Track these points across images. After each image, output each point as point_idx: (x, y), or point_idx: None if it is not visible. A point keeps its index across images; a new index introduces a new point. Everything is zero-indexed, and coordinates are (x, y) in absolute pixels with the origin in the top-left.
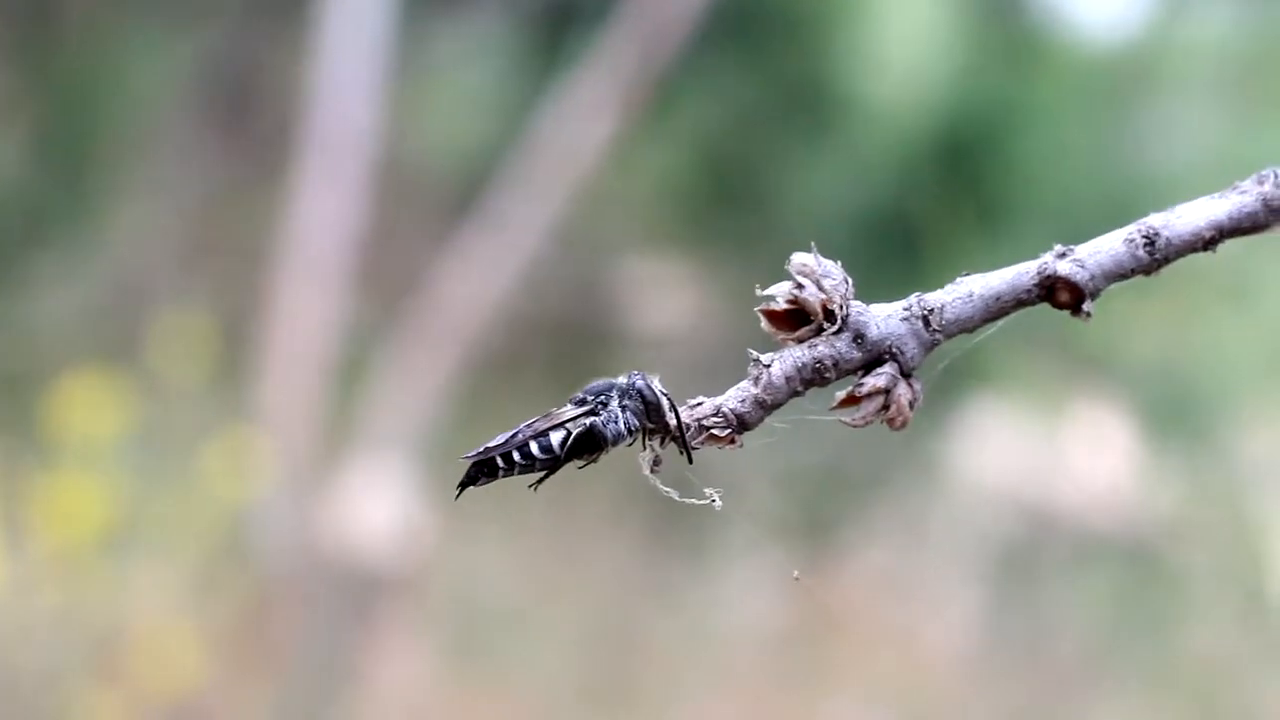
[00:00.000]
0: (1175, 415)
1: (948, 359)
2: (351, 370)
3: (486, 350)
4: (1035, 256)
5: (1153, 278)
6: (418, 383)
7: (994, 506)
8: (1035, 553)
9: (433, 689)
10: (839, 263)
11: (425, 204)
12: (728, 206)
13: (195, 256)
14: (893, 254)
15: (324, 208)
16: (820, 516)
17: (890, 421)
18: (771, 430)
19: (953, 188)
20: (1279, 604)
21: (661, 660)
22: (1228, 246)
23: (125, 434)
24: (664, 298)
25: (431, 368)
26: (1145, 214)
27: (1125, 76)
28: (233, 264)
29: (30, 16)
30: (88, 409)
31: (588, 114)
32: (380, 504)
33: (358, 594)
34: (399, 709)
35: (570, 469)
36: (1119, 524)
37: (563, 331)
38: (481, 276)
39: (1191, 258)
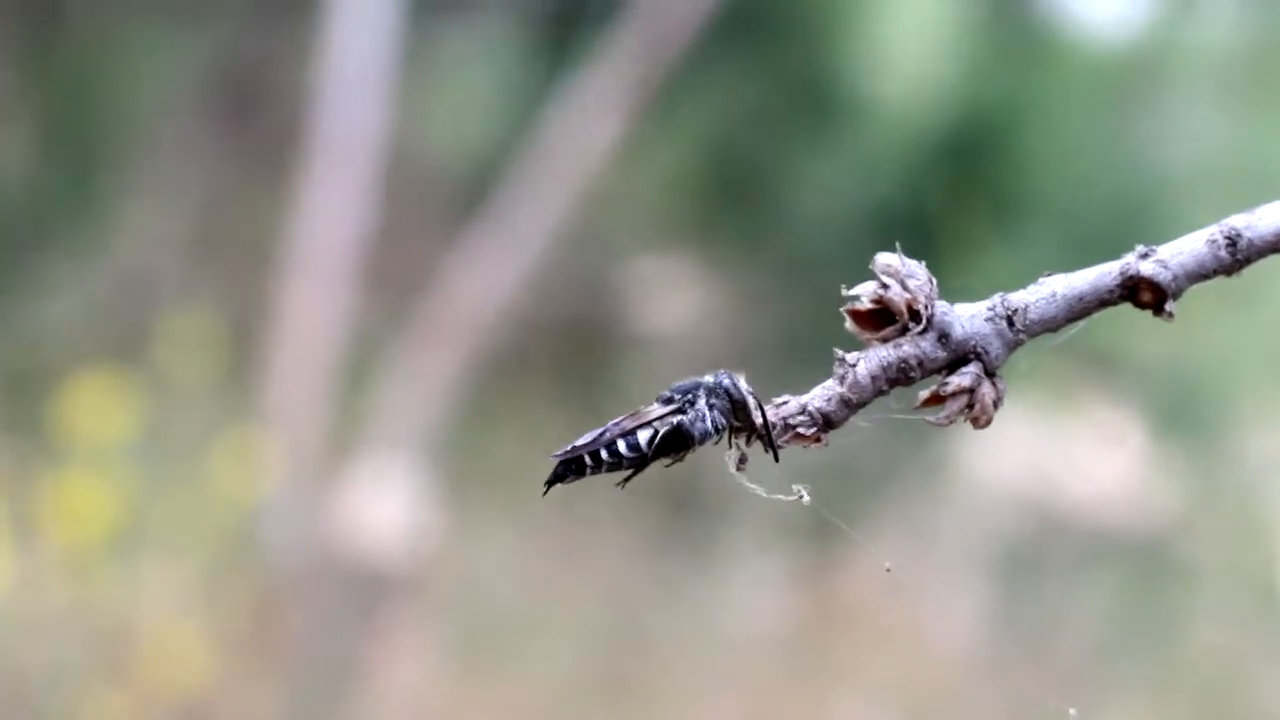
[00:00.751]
0: (1183, 414)
1: (1028, 359)
2: (358, 370)
3: (494, 350)
4: (1051, 253)
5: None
6: (425, 382)
7: (1001, 504)
8: (1042, 550)
9: (439, 688)
10: (923, 263)
11: (432, 204)
12: (735, 206)
13: (202, 256)
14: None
15: (331, 207)
16: (826, 515)
17: (975, 420)
18: (856, 429)
19: (960, 187)
20: None
21: (667, 659)
22: None
23: (132, 434)
24: (671, 297)
25: (439, 367)
26: (1153, 215)
27: (1132, 75)
28: (240, 263)
29: (36, 14)
30: (95, 409)
31: (595, 114)
32: (387, 503)
33: (365, 593)
34: (406, 708)
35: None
36: (1126, 522)
37: (570, 331)
38: (489, 276)
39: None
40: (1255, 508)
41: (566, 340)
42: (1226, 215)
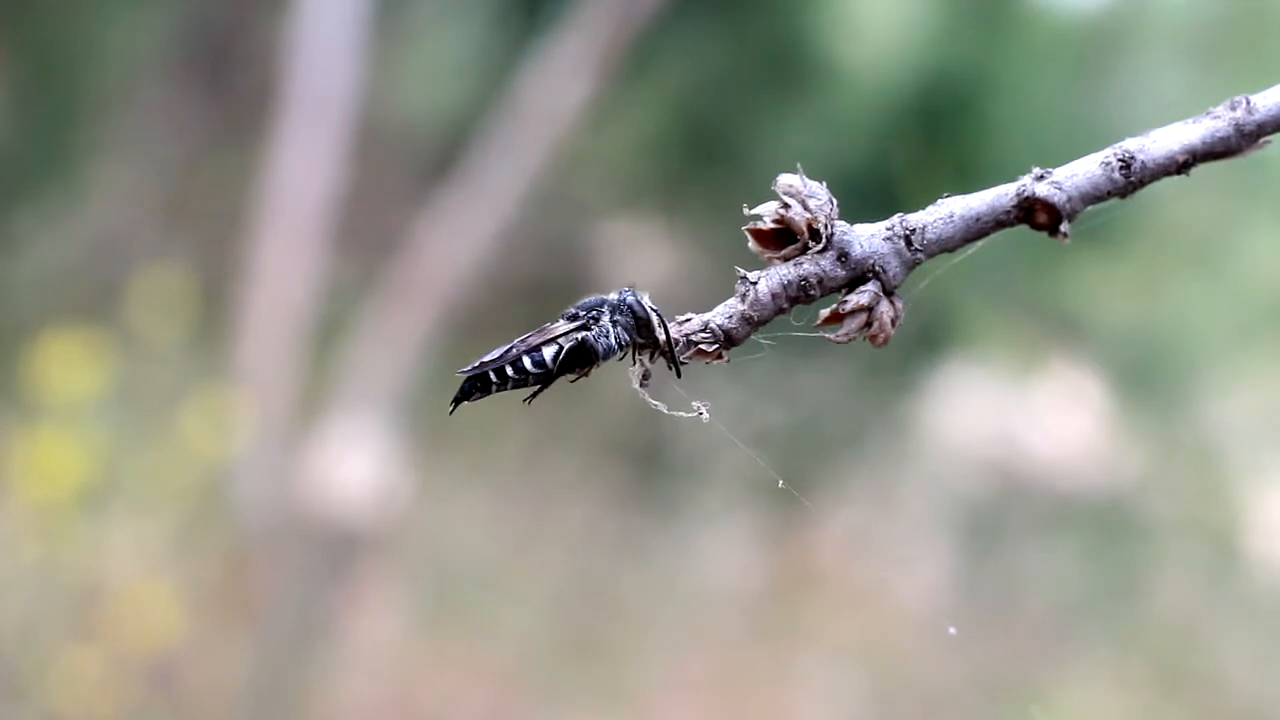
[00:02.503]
0: (1146, 377)
1: (928, 278)
2: (329, 329)
3: (464, 310)
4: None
5: (1120, 235)
6: (395, 342)
7: (965, 467)
8: (1006, 513)
9: (408, 644)
10: (824, 183)
11: (404, 165)
12: (704, 168)
13: (174, 215)
14: (867, 216)
15: (303, 168)
16: (793, 477)
17: (873, 338)
18: (757, 347)
19: (927, 150)
20: (1247, 564)
21: (634, 616)
22: (1197, 210)
23: (104, 392)
24: (641, 258)
25: (409, 327)
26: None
27: (1098, 41)
28: (212, 223)
29: None
30: (66, 366)
31: (565, 77)
32: (357, 462)
33: (334, 551)
34: (375, 664)
35: (548, 434)
36: (1089, 484)
37: (540, 291)
38: (459, 237)
39: (1164, 218)
40: (1216, 470)
41: (537, 300)
42: (1190, 188)
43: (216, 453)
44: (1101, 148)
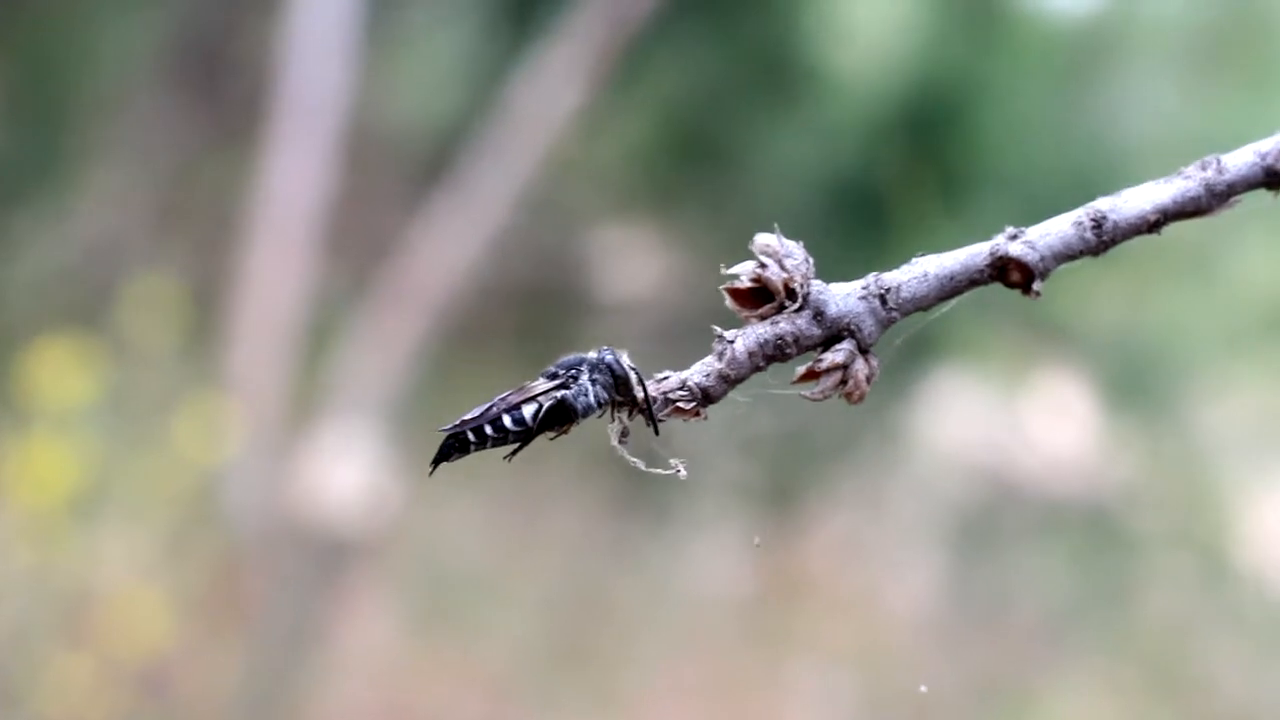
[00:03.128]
0: (1134, 385)
1: (903, 336)
2: (320, 336)
3: (455, 316)
4: (988, 236)
5: (1107, 253)
6: (386, 348)
7: (955, 474)
8: (996, 519)
9: (399, 651)
10: (800, 243)
11: (395, 171)
12: (695, 175)
13: (166, 221)
14: (858, 222)
15: (294, 174)
16: (784, 484)
17: (848, 395)
18: (734, 404)
19: (917, 158)
20: (1236, 571)
21: (627, 623)
22: (1185, 222)
23: (96, 398)
24: (631, 265)
25: (400, 333)
26: (1105, 185)
27: (1088, 50)
28: (203, 229)
29: None
30: (58, 373)
31: (557, 83)
32: (348, 468)
33: (326, 558)
34: (367, 670)
35: (541, 440)
36: (1078, 491)
37: (531, 298)
38: (451, 243)
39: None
40: (1205, 478)
41: (528, 307)
42: None
43: (208, 459)
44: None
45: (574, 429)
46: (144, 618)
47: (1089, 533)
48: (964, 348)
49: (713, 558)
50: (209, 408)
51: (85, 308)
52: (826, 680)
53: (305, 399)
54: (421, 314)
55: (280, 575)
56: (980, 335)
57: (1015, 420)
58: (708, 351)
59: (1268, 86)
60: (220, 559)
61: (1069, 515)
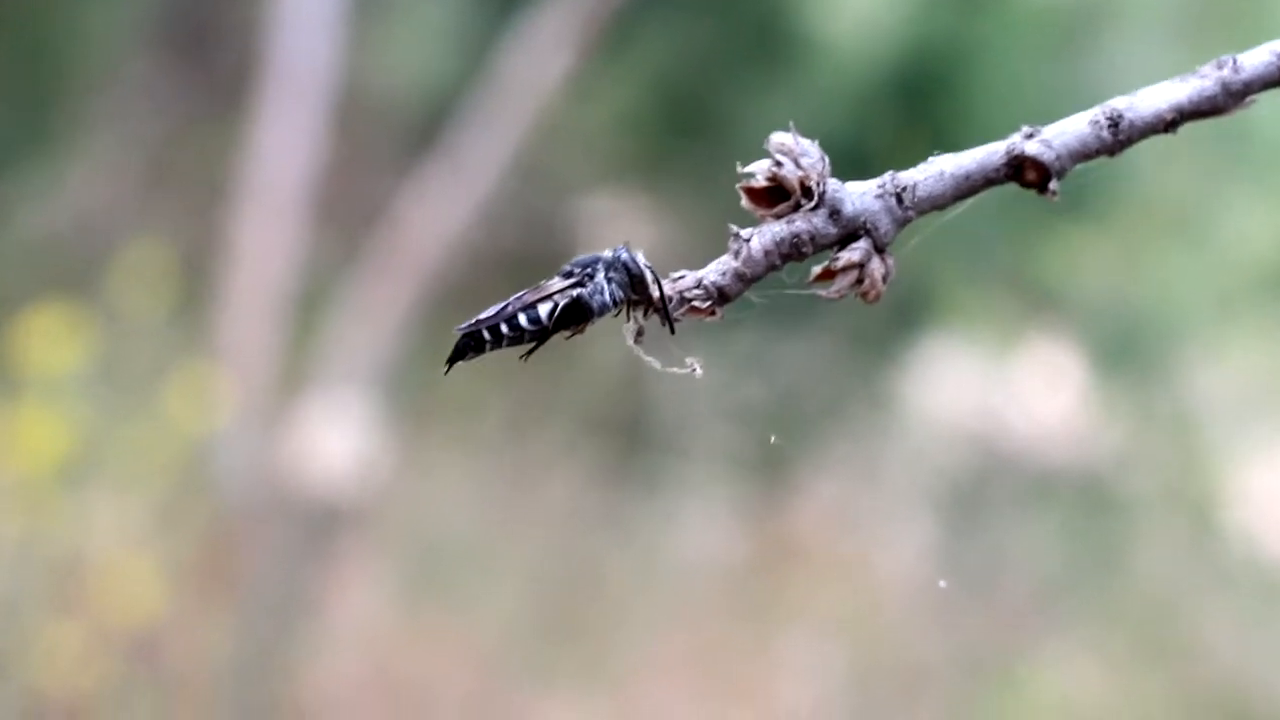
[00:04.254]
0: (1126, 350)
1: (918, 235)
2: (311, 304)
3: (446, 284)
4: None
5: (1100, 208)
6: (377, 317)
7: (946, 441)
8: (987, 486)
9: (390, 621)
10: (816, 141)
11: (385, 139)
12: (685, 141)
13: (155, 190)
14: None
15: (284, 142)
16: (774, 450)
17: (864, 295)
18: (749, 304)
19: (907, 124)
20: (1227, 537)
21: (617, 592)
22: (1177, 182)
23: (85, 367)
24: (621, 231)
25: (391, 302)
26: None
27: (1078, 15)
28: (193, 198)
29: None
30: (48, 341)
31: (546, 49)
32: (339, 437)
33: (316, 526)
34: (356, 640)
35: (531, 410)
36: (1070, 458)
37: (521, 265)
38: (441, 211)
39: (1143, 190)
40: (1196, 444)
41: (518, 275)
42: (1172, 159)
43: (198, 427)
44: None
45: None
46: (134, 586)
47: (1080, 499)
48: (954, 314)
49: (703, 527)
50: (199, 376)
51: (75, 276)
52: (817, 648)
53: (295, 367)
54: (411, 281)
55: (270, 544)
56: (970, 301)
57: (1006, 386)
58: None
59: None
60: (210, 528)
61: (1060, 482)
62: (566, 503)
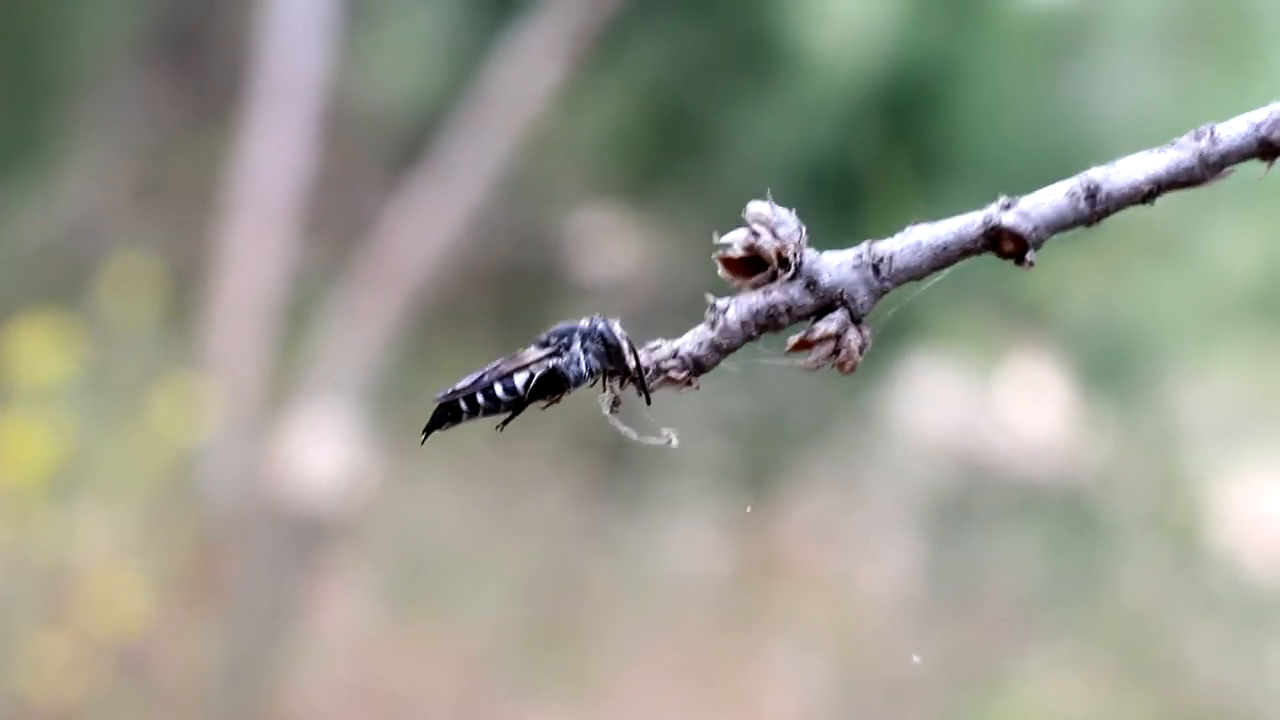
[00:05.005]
0: (1109, 368)
1: (895, 306)
2: (299, 315)
3: (433, 297)
4: (979, 207)
5: (1091, 230)
6: (365, 328)
7: (930, 457)
8: (970, 502)
9: (376, 631)
10: (793, 211)
11: (374, 150)
12: (674, 155)
13: (145, 200)
14: (835, 203)
15: (273, 153)
16: (760, 465)
17: (840, 365)
18: (725, 373)
19: (894, 139)
20: (1210, 555)
21: (603, 605)
22: (1162, 203)
23: (74, 376)
24: (610, 245)
25: (379, 313)
26: (1083, 168)
27: (1066, 31)
28: (182, 208)
29: None
30: (36, 351)
31: (536, 62)
32: (326, 448)
33: (303, 537)
34: (343, 650)
35: (519, 421)
36: (1053, 475)
37: (509, 279)
38: (429, 223)
39: (1128, 211)
40: (1179, 462)
41: (506, 287)
42: None
43: (186, 438)
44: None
45: (564, 399)
46: (122, 596)
47: (1063, 516)
48: (939, 331)
49: (689, 539)
50: (187, 386)
51: (64, 286)
52: (802, 661)
53: (283, 378)
54: (400, 293)
55: (258, 554)
56: (955, 318)
57: (990, 403)
58: (685, 332)
59: (1246, 68)
60: (198, 538)
61: (1044, 498)
62: (553, 515)
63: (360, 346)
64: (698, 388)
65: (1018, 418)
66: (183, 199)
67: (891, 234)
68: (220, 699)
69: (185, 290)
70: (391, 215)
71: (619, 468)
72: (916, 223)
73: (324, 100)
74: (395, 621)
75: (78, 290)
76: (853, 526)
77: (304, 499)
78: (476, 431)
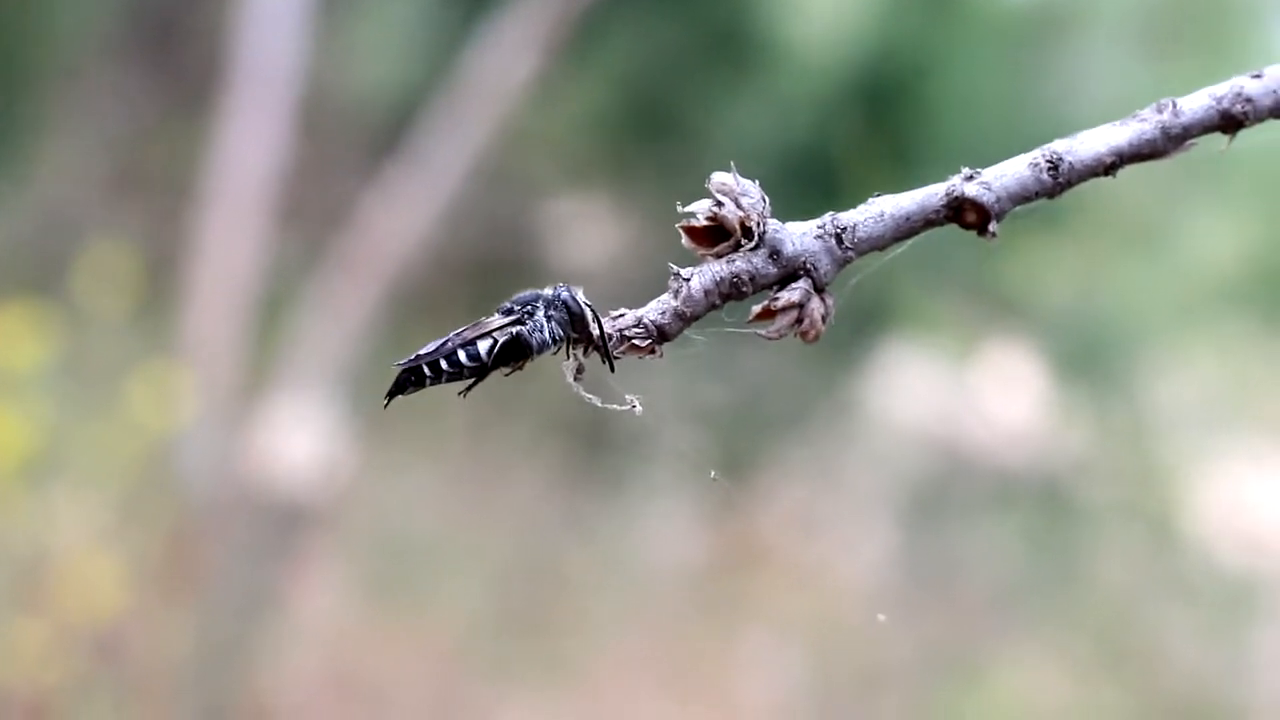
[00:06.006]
0: (1085, 357)
1: (859, 275)
2: (275, 304)
3: (410, 286)
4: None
5: (1061, 218)
6: (342, 317)
7: (907, 446)
8: (947, 491)
9: (353, 619)
10: (757, 182)
11: (351, 140)
12: (650, 145)
13: (121, 190)
14: (811, 193)
15: (250, 143)
16: (737, 455)
17: (804, 334)
18: (689, 342)
19: (870, 130)
20: (1185, 544)
21: (580, 593)
22: (1138, 193)
23: (50, 365)
24: (586, 234)
25: (355, 303)
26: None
27: (1041, 22)
28: (158, 197)
29: None
30: (12, 339)
31: (512, 52)
32: (303, 436)
33: (279, 525)
34: (319, 638)
35: (495, 409)
36: (1029, 464)
37: (486, 268)
38: (406, 212)
39: (1104, 200)
40: (1155, 450)
41: (483, 276)
42: (1133, 169)
43: (162, 426)
44: (1042, 130)
45: (534, 380)
46: (97, 584)
47: (1039, 505)
48: (915, 320)
49: (665, 528)
50: (163, 375)
51: (40, 276)
52: (779, 649)
53: (260, 367)
54: (376, 283)
55: (234, 542)
56: (931, 307)
57: (966, 393)
58: (629, 308)
59: (1220, 60)
60: (174, 526)
61: (1020, 487)
62: (529, 503)
63: (337, 335)
64: (661, 355)
65: (994, 406)
66: (159, 189)
67: (863, 204)
68: (196, 686)
69: (161, 279)
70: (368, 205)
71: (595, 454)
72: (879, 194)
73: (300, 90)
74: (371, 609)
75: (54, 279)
76: (829, 515)
77: (280, 487)
78: (453, 419)
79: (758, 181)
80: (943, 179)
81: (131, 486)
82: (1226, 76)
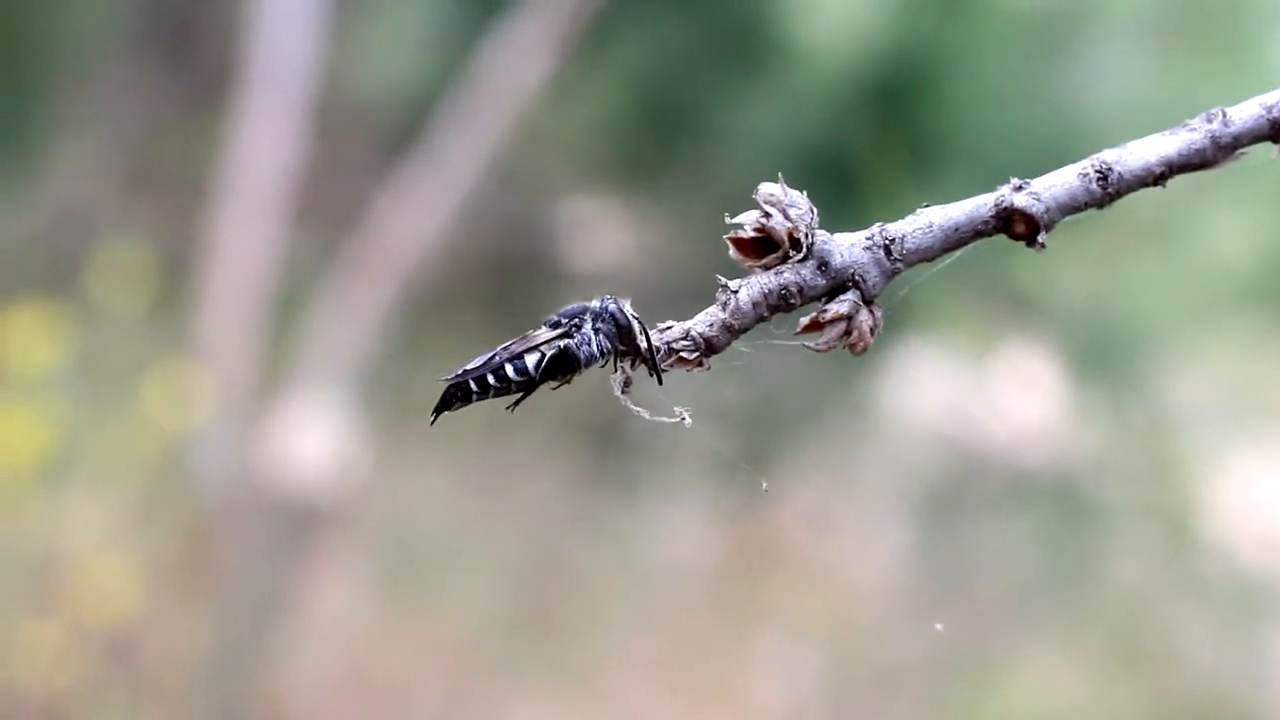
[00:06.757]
0: (1101, 356)
1: (908, 287)
2: (290, 303)
3: (425, 285)
4: (973, 194)
5: (1084, 216)
6: (356, 316)
7: (923, 445)
8: (963, 490)
9: (367, 618)
10: (804, 193)
11: (365, 139)
12: (664, 145)
13: (136, 188)
14: (826, 192)
15: (264, 142)
16: (753, 454)
17: (852, 346)
18: (737, 354)
19: (885, 128)
20: (1201, 543)
21: (593, 593)
22: (1154, 191)
23: (65, 364)
24: (601, 234)
25: (370, 302)
26: (1075, 156)
27: (1056, 20)
28: (173, 196)
29: None
30: (28, 339)
31: (526, 52)
32: (317, 436)
33: (294, 524)
34: (333, 637)
35: (509, 410)
36: (1045, 462)
37: (500, 268)
38: (420, 212)
39: (1121, 199)
40: (1171, 449)
41: (497, 276)
42: None
43: (176, 426)
44: (1056, 128)
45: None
46: (112, 584)
47: (1055, 504)
48: (932, 319)
49: (680, 528)
50: (178, 374)
51: (55, 275)
52: (793, 650)
53: (274, 366)
54: (390, 282)
55: (248, 542)
56: (948, 306)
57: (982, 392)
58: (677, 317)
59: (1236, 56)
60: (188, 525)
61: (1035, 486)
62: (543, 503)
63: (351, 335)
64: (709, 368)
65: (1010, 405)
66: (174, 187)
67: (911, 214)
68: (210, 686)
69: (176, 278)
70: (383, 204)
71: (610, 454)
72: (928, 204)
73: (315, 89)
74: (385, 608)
75: (69, 278)
76: (844, 514)
77: (295, 487)
78: (468, 419)
79: (805, 193)
80: (957, 177)
81: (146, 486)
82: (1243, 74)
